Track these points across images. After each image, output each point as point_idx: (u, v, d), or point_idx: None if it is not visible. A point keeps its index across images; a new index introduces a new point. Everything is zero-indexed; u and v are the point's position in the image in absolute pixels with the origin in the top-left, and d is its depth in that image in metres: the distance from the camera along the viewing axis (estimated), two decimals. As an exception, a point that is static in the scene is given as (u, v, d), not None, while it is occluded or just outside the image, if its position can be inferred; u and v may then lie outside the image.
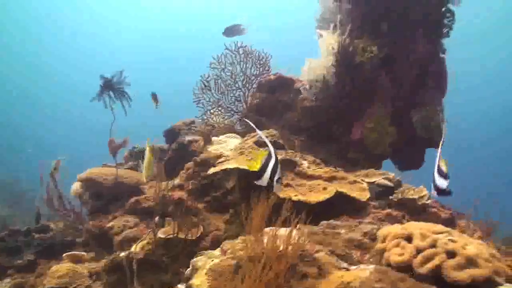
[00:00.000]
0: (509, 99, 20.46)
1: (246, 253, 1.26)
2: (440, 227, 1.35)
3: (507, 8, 18.18)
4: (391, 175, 2.53)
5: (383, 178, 2.46)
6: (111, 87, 2.88)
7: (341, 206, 2.17)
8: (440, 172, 1.50)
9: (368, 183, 2.38)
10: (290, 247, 1.26)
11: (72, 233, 3.10)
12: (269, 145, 1.62)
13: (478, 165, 17.99)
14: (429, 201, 2.29)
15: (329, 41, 3.00)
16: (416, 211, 2.28)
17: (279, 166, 1.56)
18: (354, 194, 2.18)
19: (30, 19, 21.81)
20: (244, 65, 3.52)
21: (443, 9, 3.11)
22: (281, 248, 1.24)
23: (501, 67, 20.89)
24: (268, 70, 3.58)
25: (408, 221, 2.17)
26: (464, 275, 1.14)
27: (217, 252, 1.63)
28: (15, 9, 21.37)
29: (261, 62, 3.54)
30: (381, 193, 2.43)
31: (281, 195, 2.10)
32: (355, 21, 3.04)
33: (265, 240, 1.31)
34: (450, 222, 2.29)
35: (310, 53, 3.26)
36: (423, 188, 2.36)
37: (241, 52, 3.51)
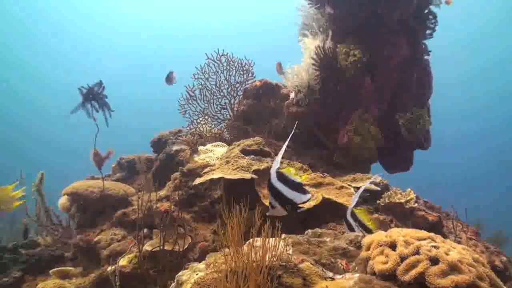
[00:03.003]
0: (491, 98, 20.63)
1: (227, 266, 1.24)
2: (423, 233, 1.34)
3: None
4: (378, 179, 2.53)
5: (370, 183, 2.45)
6: (94, 97, 2.82)
7: (328, 213, 2.16)
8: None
9: (355, 188, 2.37)
10: (267, 258, 1.25)
11: (60, 248, 3.05)
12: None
13: (466, 165, 18.18)
14: (416, 205, 2.29)
15: (311, 46, 2.99)
16: (403, 214, 2.28)
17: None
18: (341, 200, 2.17)
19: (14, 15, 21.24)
20: (228, 73, 3.50)
21: (425, 11, 3.12)
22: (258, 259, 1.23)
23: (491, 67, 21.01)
24: (252, 76, 3.56)
25: (396, 225, 2.17)
26: (447, 281, 1.13)
27: (201, 265, 1.60)
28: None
29: (244, 68, 3.52)
30: (369, 197, 2.42)
31: (267, 203, 2.08)
32: (337, 26, 3.04)
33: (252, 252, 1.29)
34: (437, 225, 2.29)
35: (293, 59, 3.27)
36: (410, 191, 2.36)
37: (223, 61, 3.49)
